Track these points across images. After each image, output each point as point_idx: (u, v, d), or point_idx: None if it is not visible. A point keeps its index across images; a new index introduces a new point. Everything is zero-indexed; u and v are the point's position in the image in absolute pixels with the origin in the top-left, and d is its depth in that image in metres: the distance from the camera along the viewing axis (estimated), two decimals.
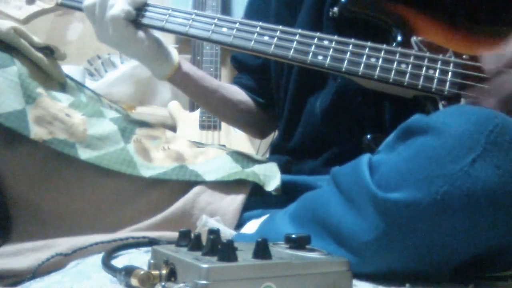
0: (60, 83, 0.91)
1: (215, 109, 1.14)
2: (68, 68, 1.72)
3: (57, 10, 1.02)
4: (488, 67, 0.75)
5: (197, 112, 2.04)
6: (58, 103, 0.82)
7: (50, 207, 0.80)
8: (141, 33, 0.92)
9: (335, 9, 0.87)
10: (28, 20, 1.00)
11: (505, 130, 0.56)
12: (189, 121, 2.03)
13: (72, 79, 0.96)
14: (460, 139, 0.56)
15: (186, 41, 2.26)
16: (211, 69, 1.99)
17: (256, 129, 1.19)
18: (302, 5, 0.97)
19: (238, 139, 2.00)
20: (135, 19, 0.91)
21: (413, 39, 0.83)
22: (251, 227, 0.81)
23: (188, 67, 1.02)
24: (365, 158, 0.65)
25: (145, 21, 0.91)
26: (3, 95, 0.77)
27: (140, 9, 0.91)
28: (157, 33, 0.95)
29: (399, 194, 0.57)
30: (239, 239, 0.76)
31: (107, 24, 0.90)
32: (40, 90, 0.81)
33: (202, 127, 2.00)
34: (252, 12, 1.10)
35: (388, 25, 0.86)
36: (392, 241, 0.58)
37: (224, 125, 2.02)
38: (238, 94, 1.12)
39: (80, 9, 0.96)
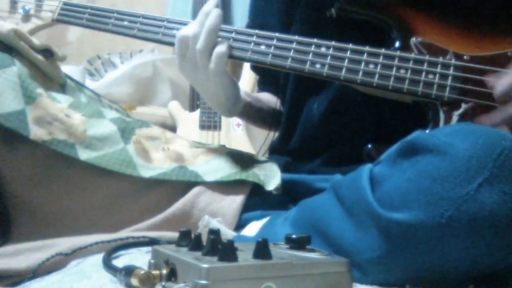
0: (60, 84, 0.91)
1: (262, 123, 1.14)
2: (68, 68, 1.72)
3: (53, 26, 1.02)
4: (498, 94, 0.74)
5: (197, 112, 2.04)
6: (58, 104, 0.82)
7: (50, 208, 0.80)
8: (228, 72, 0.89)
9: (333, 10, 0.86)
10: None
11: None
12: (189, 121, 2.03)
13: (72, 79, 0.96)
14: (467, 162, 0.55)
15: None
16: None
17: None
18: (299, 6, 0.97)
19: (238, 139, 2.00)
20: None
21: (412, 40, 0.82)
22: (252, 229, 0.81)
23: (245, 95, 1.02)
24: (366, 171, 0.64)
25: (236, 53, 0.86)
26: (2, 95, 0.77)
27: None
28: None
29: (402, 215, 0.57)
30: (240, 240, 0.76)
31: (204, 60, 0.84)
32: (40, 90, 0.81)
33: (202, 127, 2.00)
34: (257, 8, 1.10)
35: (386, 25, 0.84)
36: (393, 260, 0.59)
37: (224, 125, 2.02)
38: (273, 101, 1.11)
39: (76, 25, 0.96)
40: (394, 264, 0.59)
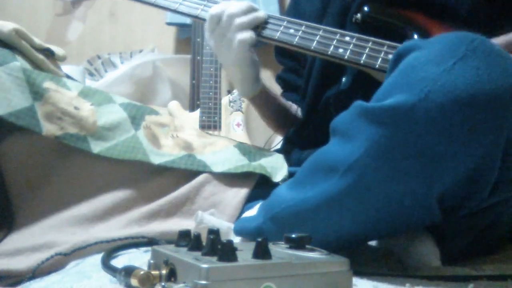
0: None
1: (278, 125, 1.16)
2: (68, 68, 1.72)
3: None
4: None
5: (197, 112, 2.04)
6: (68, 92, 0.84)
7: (53, 193, 0.81)
8: (254, 56, 0.97)
9: (358, 15, 0.92)
10: (75, 3, 1.00)
11: (484, 41, 0.61)
12: (189, 121, 2.03)
13: (72, 79, 0.96)
14: (443, 48, 0.61)
15: (186, 41, 2.26)
16: (211, 69, 1.99)
17: None
18: (327, 12, 1.01)
19: (238, 139, 1.99)
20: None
21: None
22: (251, 212, 0.82)
23: (264, 86, 1.07)
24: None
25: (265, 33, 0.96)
26: (9, 92, 0.77)
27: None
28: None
29: (388, 101, 0.60)
30: (243, 222, 0.78)
31: (229, 41, 0.93)
32: (47, 84, 0.81)
33: (202, 127, 2.00)
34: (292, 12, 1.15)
35: (406, 32, 0.90)
36: (386, 146, 0.60)
37: (224, 125, 2.02)
38: (292, 107, 1.14)
39: None
40: (386, 152, 0.60)
